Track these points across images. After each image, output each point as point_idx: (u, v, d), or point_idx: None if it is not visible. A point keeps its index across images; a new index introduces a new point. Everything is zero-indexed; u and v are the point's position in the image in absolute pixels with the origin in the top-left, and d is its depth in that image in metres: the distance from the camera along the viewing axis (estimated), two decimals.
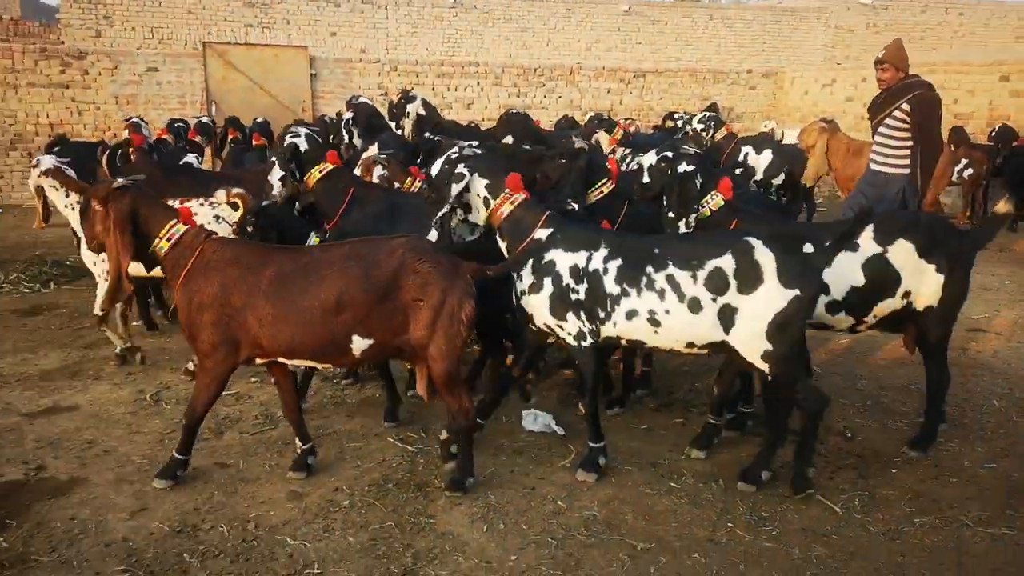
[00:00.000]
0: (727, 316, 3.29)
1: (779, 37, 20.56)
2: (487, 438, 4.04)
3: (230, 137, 9.71)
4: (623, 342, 3.56)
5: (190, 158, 7.69)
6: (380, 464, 3.77)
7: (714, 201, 4.07)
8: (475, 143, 6.13)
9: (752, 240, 3.33)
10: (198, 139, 9.20)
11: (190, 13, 16.52)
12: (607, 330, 3.50)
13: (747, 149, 8.93)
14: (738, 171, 7.97)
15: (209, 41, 14.53)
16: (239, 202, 4.11)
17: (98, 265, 4.84)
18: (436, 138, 6.37)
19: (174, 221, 3.45)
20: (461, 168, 3.67)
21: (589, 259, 3.48)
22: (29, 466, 3.69)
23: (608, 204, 4.48)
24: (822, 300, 3.75)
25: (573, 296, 3.48)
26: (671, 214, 4.02)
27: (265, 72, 13.65)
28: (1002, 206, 3.87)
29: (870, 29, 20.78)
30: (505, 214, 3.64)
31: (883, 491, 3.57)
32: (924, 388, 4.15)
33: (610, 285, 3.43)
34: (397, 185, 5.19)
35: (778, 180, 8.72)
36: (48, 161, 5.29)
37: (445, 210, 3.61)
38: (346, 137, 7.19)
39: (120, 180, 3.48)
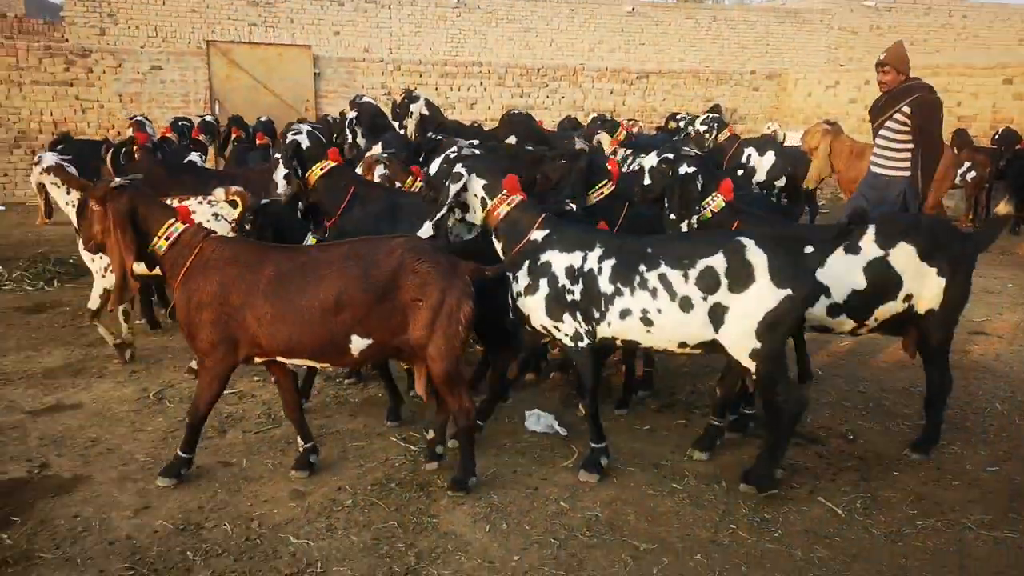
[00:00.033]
0: (718, 315, 3.30)
1: (782, 39, 20.54)
2: (489, 438, 4.04)
3: (233, 136, 9.73)
4: (618, 342, 3.57)
5: (194, 157, 7.70)
6: (383, 463, 3.78)
7: (715, 203, 4.08)
8: (475, 142, 6.16)
9: (744, 240, 3.34)
10: (202, 138, 9.21)
11: (194, 11, 16.53)
12: (602, 330, 3.51)
13: (750, 151, 8.93)
14: (739, 172, 7.99)
15: (213, 40, 14.55)
16: (238, 200, 4.12)
17: (96, 262, 4.85)
18: (439, 137, 6.39)
19: (172, 220, 3.45)
20: (459, 168, 3.68)
21: (584, 259, 3.49)
22: (33, 464, 3.70)
23: (608, 205, 4.48)
24: (823, 302, 3.76)
25: (569, 297, 3.50)
26: (673, 216, 4.03)
27: (269, 71, 13.68)
28: (1002, 208, 3.87)
29: (873, 31, 20.75)
30: (502, 215, 3.65)
31: (885, 493, 3.57)
32: (926, 391, 4.17)
33: (604, 285, 3.45)
34: (398, 184, 5.20)
35: (780, 182, 8.72)
36: (50, 158, 5.30)
37: (443, 211, 3.63)
38: (350, 136, 7.20)
39: (117, 179, 3.48)
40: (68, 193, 5.15)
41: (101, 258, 4.74)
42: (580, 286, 3.48)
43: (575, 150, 4.57)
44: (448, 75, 15.02)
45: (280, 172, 4.59)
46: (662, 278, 3.36)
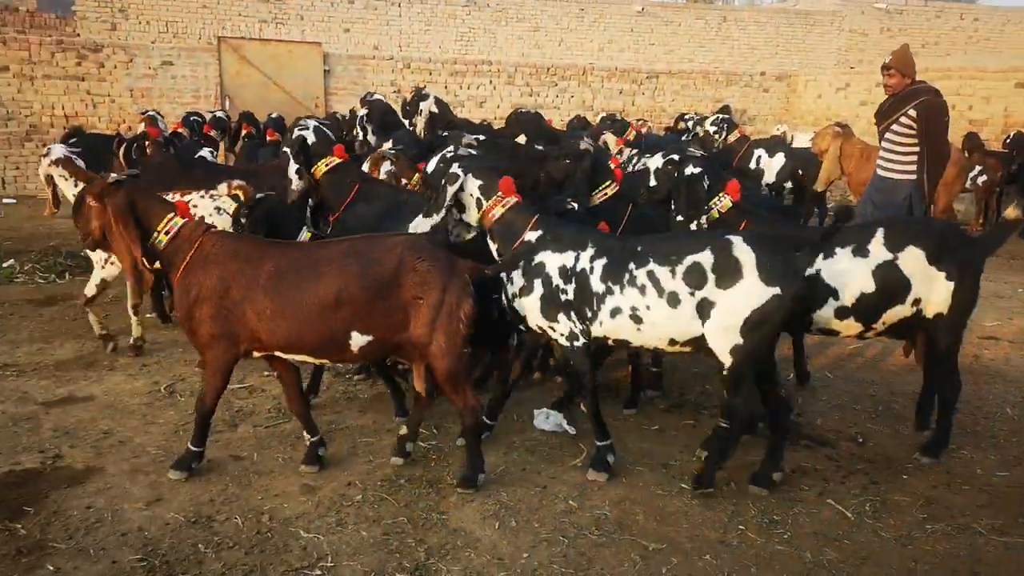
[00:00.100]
0: (704, 309, 3.31)
1: (792, 40, 20.51)
2: (499, 436, 4.05)
3: (244, 132, 9.75)
4: (610, 342, 3.59)
5: (204, 152, 7.73)
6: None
7: (722, 203, 4.07)
8: (481, 137, 6.17)
9: (732, 237, 3.36)
10: (213, 133, 9.25)
11: (205, 7, 16.61)
12: (595, 329, 3.53)
13: (760, 152, 8.92)
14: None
15: (224, 36, 14.59)
16: (240, 194, 4.13)
17: (98, 252, 4.87)
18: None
19: (172, 214, 3.47)
20: (455, 168, 3.70)
21: (576, 259, 3.51)
22: (46, 455, 3.73)
23: (612, 207, 4.48)
24: (831, 305, 3.75)
25: (563, 297, 3.52)
26: (680, 217, 4.03)
27: (279, 67, 13.71)
28: (1011, 212, 3.85)
29: (884, 33, 20.70)
30: (496, 216, 3.67)
31: (895, 497, 3.57)
32: (920, 393, 4.17)
33: (596, 284, 3.47)
34: (404, 181, 5.21)
35: (790, 184, 8.71)
36: (58, 150, 5.34)
37: (443, 214, 3.65)
38: (360, 134, 7.22)
39: (114, 175, 3.49)
40: (76, 186, 5.18)
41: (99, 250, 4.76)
42: (573, 286, 3.50)
43: (579, 150, 4.58)
44: (458, 73, 15.03)
45: (292, 167, 4.62)
46: (650, 275, 3.38)
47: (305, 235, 4.19)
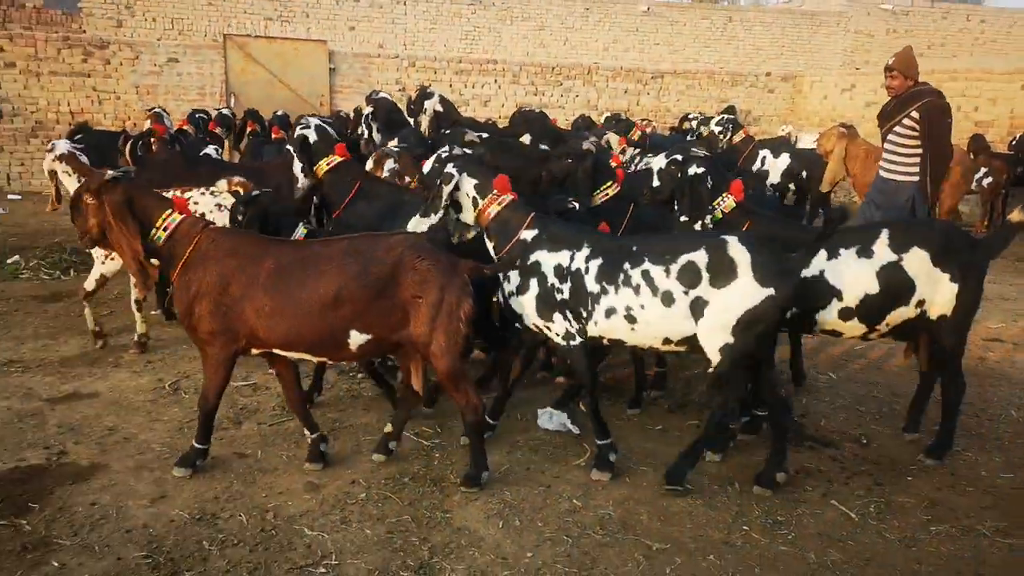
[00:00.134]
0: (698, 308, 3.31)
1: (798, 41, 20.48)
2: (502, 435, 4.06)
3: (249, 129, 9.77)
4: (605, 341, 3.59)
5: (210, 150, 7.74)
6: (396, 458, 3.78)
7: (726, 203, 4.07)
8: (484, 135, 6.17)
9: (727, 237, 3.36)
10: (218, 131, 9.26)
11: (210, 5, 16.63)
12: (591, 329, 3.54)
13: (764, 153, 8.91)
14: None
15: (229, 33, 14.61)
16: (240, 191, 4.13)
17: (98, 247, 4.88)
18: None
19: (170, 210, 3.47)
20: (450, 168, 3.71)
21: (572, 258, 3.52)
22: (51, 451, 3.74)
23: (613, 207, 4.48)
24: (835, 306, 3.74)
25: (558, 296, 3.52)
26: (684, 217, 4.03)
27: (284, 65, 13.72)
28: (1016, 215, 3.85)
29: (890, 35, 20.65)
30: (492, 215, 3.68)
31: (899, 498, 3.56)
32: (940, 396, 4.14)
33: (591, 284, 3.47)
34: (408, 180, 5.21)
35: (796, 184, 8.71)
36: (62, 146, 5.35)
37: (441, 212, 3.66)
38: (365, 132, 7.22)
39: (111, 172, 3.49)
40: (79, 182, 5.19)
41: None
42: (569, 285, 3.51)
43: (582, 150, 4.58)
44: (462, 72, 15.04)
45: (297, 165, 4.64)
46: (645, 274, 3.39)
47: (300, 232, 4.17)
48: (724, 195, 4.08)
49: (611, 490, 3.54)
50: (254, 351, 3.47)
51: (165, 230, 3.42)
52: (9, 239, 8.34)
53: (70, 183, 5.25)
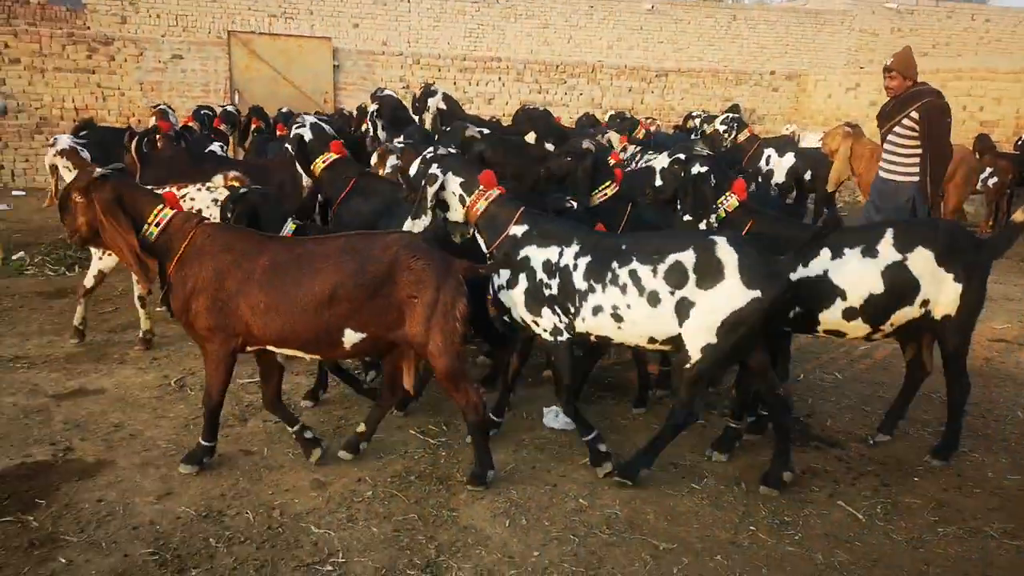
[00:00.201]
0: (684, 309, 3.31)
1: (802, 39, 20.44)
2: (508, 434, 4.06)
3: (253, 126, 9.76)
4: (593, 338, 3.59)
5: (214, 147, 7.74)
6: (402, 456, 3.79)
7: (729, 202, 4.06)
8: (486, 131, 6.16)
9: (716, 237, 3.35)
10: (223, 127, 9.26)
11: (214, 1, 16.63)
12: (578, 325, 3.55)
13: (769, 151, 8.90)
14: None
15: (234, 30, 14.61)
16: (237, 186, 4.12)
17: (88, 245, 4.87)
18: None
19: (161, 206, 3.45)
20: (434, 169, 3.71)
21: (561, 254, 3.52)
22: (57, 447, 3.74)
23: (612, 207, 4.47)
24: (838, 306, 3.72)
25: (547, 291, 3.53)
26: (688, 216, 4.02)
27: (289, 62, 13.71)
28: (1019, 215, 3.84)
29: (895, 33, 20.61)
30: (481, 210, 3.69)
31: (906, 499, 3.56)
32: (946, 397, 4.13)
33: (579, 281, 3.48)
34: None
35: (806, 179, 8.73)
36: (64, 141, 5.35)
37: (429, 214, 3.67)
38: (371, 129, 7.22)
39: (99, 169, 3.48)
40: None
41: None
42: (557, 280, 3.51)
43: (581, 149, 4.57)
44: (466, 70, 15.03)
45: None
46: (632, 274, 3.38)
47: (289, 228, 4.15)
48: (727, 194, 4.07)
49: (617, 490, 3.54)
50: (248, 348, 3.47)
51: (157, 225, 3.41)
52: (14, 235, 8.34)
53: (70, 178, 5.25)
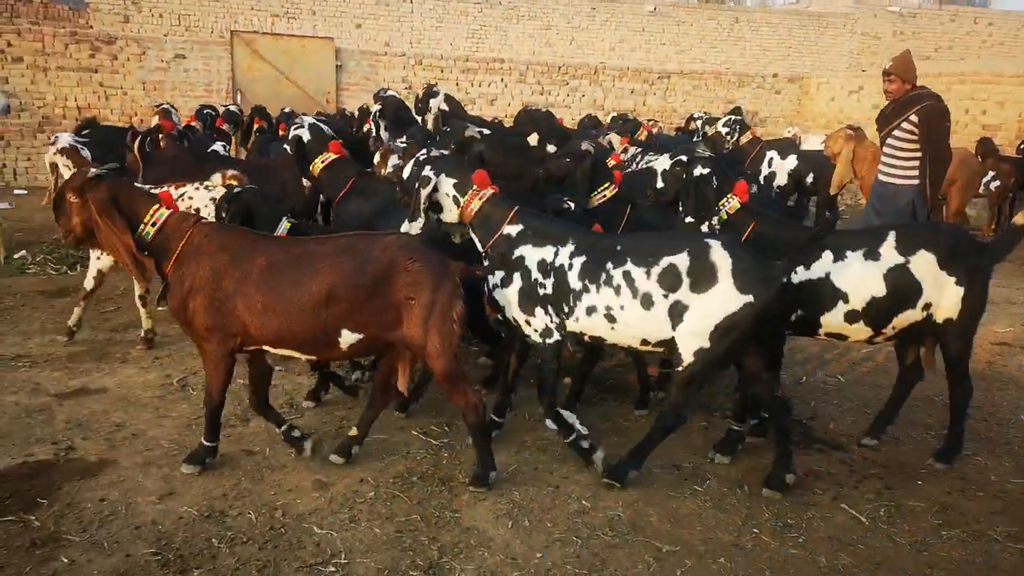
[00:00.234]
0: (677, 313, 3.31)
1: (805, 42, 20.44)
2: (510, 435, 4.05)
3: (256, 126, 9.75)
4: (586, 338, 3.60)
5: (217, 146, 7.74)
6: (404, 457, 3.79)
7: (730, 204, 4.05)
8: (485, 131, 6.16)
9: (711, 241, 3.35)
10: (226, 127, 9.25)
11: (217, 1, 16.64)
12: (571, 325, 3.55)
13: (772, 154, 8.89)
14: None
15: (236, 30, 14.61)
16: (235, 185, 4.11)
17: (82, 245, 4.87)
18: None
19: (157, 206, 3.45)
20: (427, 171, 3.71)
21: (556, 254, 3.53)
22: (59, 447, 3.74)
23: (611, 208, 4.47)
24: (840, 309, 3.72)
25: (541, 291, 3.53)
26: (690, 218, 4.02)
27: (291, 62, 13.72)
28: (1020, 218, 3.83)
29: (897, 37, 20.60)
30: (475, 210, 3.69)
31: (909, 502, 3.55)
32: (948, 400, 4.13)
33: (573, 281, 3.48)
34: None
35: (808, 182, 8.72)
36: (65, 139, 5.35)
37: (422, 217, 3.67)
38: (374, 129, 7.22)
39: (93, 169, 3.47)
40: None
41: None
42: (552, 280, 3.52)
43: (580, 151, 4.57)
44: (469, 71, 15.03)
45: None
46: (626, 275, 3.38)
47: (284, 227, 4.14)
48: (729, 196, 4.07)
49: (620, 492, 3.53)
50: (246, 348, 3.46)
51: (153, 225, 3.40)
52: (15, 234, 8.33)
53: None
